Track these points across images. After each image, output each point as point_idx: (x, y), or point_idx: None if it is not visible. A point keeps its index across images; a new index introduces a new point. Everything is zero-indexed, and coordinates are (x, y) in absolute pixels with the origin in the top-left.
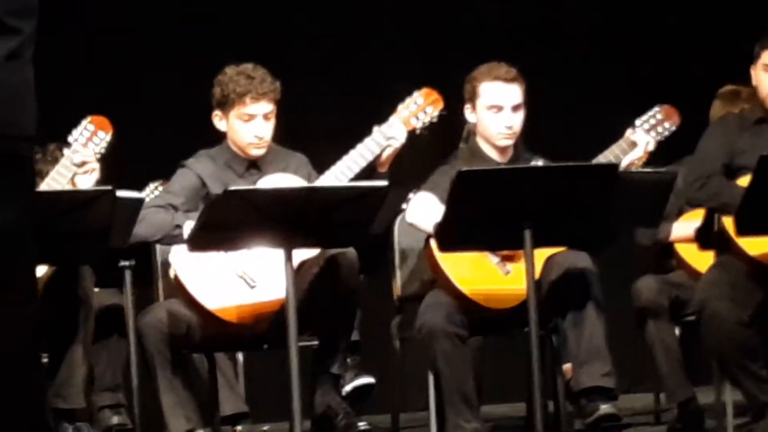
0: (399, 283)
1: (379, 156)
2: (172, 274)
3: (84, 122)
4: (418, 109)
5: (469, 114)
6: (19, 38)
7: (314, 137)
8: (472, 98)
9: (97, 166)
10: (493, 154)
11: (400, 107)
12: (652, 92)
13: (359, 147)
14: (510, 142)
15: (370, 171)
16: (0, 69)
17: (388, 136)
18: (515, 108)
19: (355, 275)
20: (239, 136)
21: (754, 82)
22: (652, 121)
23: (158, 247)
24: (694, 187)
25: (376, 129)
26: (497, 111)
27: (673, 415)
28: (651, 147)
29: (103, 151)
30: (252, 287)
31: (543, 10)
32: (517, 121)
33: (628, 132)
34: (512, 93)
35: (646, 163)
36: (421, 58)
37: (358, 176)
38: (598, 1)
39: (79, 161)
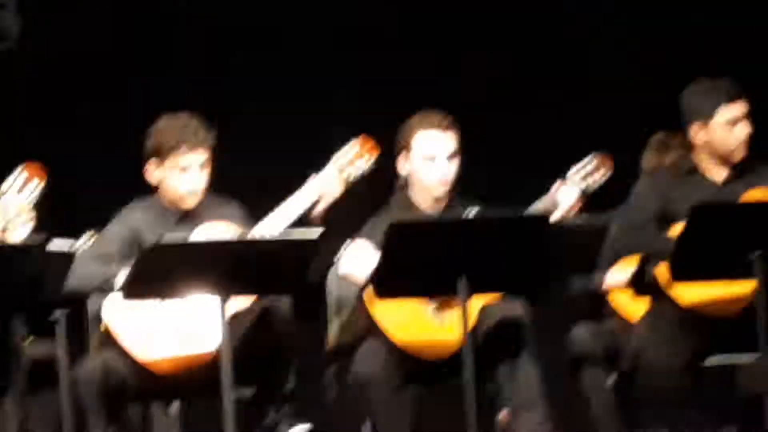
0: (333, 333)
1: (313, 206)
2: (102, 327)
3: (18, 170)
4: (354, 157)
5: (402, 164)
6: None
7: (249, 185)
8: (407, 148)
9: (32, 215)
10: (427, 204)
11: (336, 155)
12: (586, 139)
13: (294, 197)
14: (445, 190)
15: (304, 220)
16: None
17: (321, 189)
18: (451, 156)
19: (290, 324)
20: (173, 188)
21: (699, 139)
22: (588, 168)
23: (92, 299)
24: (627, 236)
25: (311, 178)
26: (432, 160)
27: None
28: (572, 201)
29: (35, 198)
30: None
31: (475, 59)
32: (452, 169)
33: (554, 187)
34: (447, 141)
35: (581, 211)
36: (357, 105)
37: (293, 226)
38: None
39: (13, 213)
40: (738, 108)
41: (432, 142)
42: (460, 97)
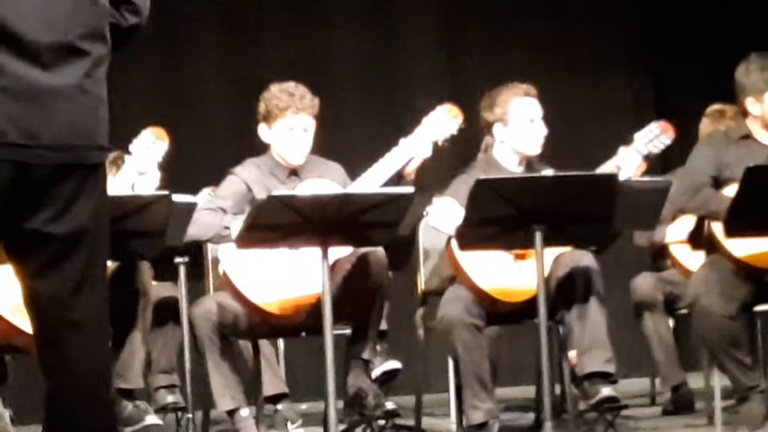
0: (422, 279)
1: (405, 166)
2: (221, 270)
3: (144, 132)
4: (441, 122)
5: (499, 132)
6: (89, 59)
7: (348, 148)
8: (504, 117)
9: (157, 173)
10: (509, 165)
11: (425, 120)
12: (651, 109)
13: (387, 156)
14: (539, 150)
15: (397, 179)
16: (79, 86)
17: (412, 150)
18: (541, 119)
19: (384, 272)
20: (281, 146)
21: (754, 110)
22: (650, 135)
23: (209, 245)
24: (684, 197)
25: (402, 141)
26: (531, 123)
27: (666, 398)
28: (637, 164)
29: (160, 159)
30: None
31: (550, 30)
32: (544, 130)
33: (620, 151)
34: (539, 106)
35: (645, 173)
36: (446, 74)
37: (387, 183)
38: (615, 21)
39: (140, 169)
40: None
41: (530, 107)
42: (535, 69)
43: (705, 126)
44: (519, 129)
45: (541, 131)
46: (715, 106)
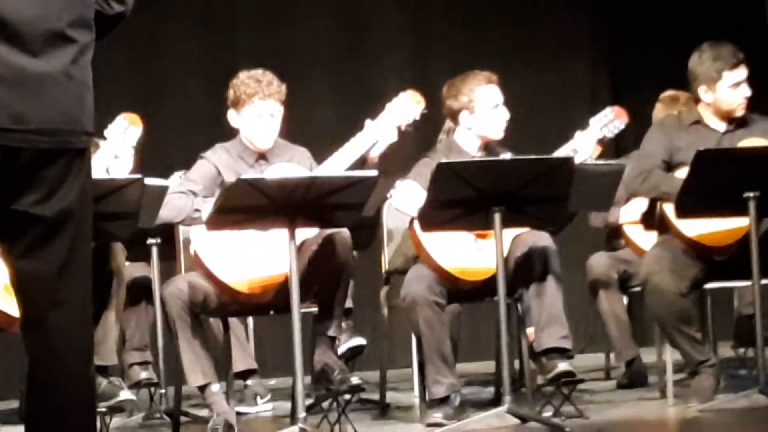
0: (386, 259)
1: (369, 150)
2: (191, 250)
3: (119, 118)
4: (404, 108)
5: (466, 117)
6: (77, 46)
7: (315, 132)
8: (469, 104)
9: (131, 157)
10: (469, 149)
11: (389, 106)
12: (606, 95)
13: (352, 141)
14: (503, 134)
15: (361, 162)
16: (66, 72)
17: (377, 134)
18: (502, 105)
19: (349, 251)
20: (250, 131)
21: (706, 98)
22: (605, 120)
23: (181, 227)
24: (638, 180)
25: (367, 123)
26: (496, 108)
27: (621, 372)
28: (592, 147)
29: (134, 144)
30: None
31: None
32: (507, 114)
33: (576, 135)
34: (500, 93)
35: (600, 156)
36: (411, 61)
37: (352, 167)
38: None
39: (115, 154)
40: (740, 73)
41: (493, 94)
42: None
43: (658, 111)
44: (484, 115)
45: (504, 116)
46: (669, 93)
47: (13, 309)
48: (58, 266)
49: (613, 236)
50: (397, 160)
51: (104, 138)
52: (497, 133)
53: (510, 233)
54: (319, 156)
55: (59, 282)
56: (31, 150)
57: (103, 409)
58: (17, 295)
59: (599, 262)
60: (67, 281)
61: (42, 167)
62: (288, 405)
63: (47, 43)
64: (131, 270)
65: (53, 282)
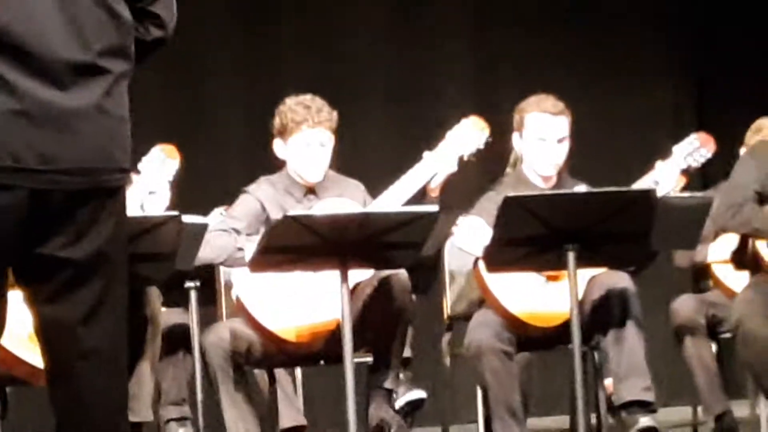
0: (448, 303)
1: (428, 182)
2: (234, 295)
3: (154, 150)
4: (466, 136)
5: (516, 142)
6: (110, 77)
7: (370, 164)
8: (520, 128)
9: (167, 192)
10: (538, 181)
11: (450, 134)
12: (689, 120)
13: (410, 173)
14: (553, 172)
15: (420, 196)
16: (98, 106)
17: (437, 166)
18: (560, 140)
19: (407, 295)
20: (297, 163)
21: None
22: (690, 148)
23: (222, 268)
24: (727, 215)
25: (426, 155)
26: (542, 142)
27: (709, 428)
28: (675, 178)
29: (171, 177)
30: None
31: (588, 39)
32: (561, 152)
33: (657, 165)
34: (558, 126)
35: (684, 188)
36: (472, 86)
37: (410, 201)
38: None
39: (150, 189)
40: None
41: (544, 124)
42: (569, 77)
43: (750, 138)
44: (531, 145)
45: (553, 152)
46: (762, 120)
47: (39, 360)
48: (86, 313)
49: (701, 277)
50: (460, 194)
51: (138, 172)
52: (543, 168)
53: (585, 274)
54: (374, 190)
55: (88, 330)
56: (61, 191)
57: None
58: (42, 345)
59: (685, 306)
60: (97, 330)
61: (73, 209)
62: None
63: (77, 76)
64: (167, 316)
65: (81, 330)
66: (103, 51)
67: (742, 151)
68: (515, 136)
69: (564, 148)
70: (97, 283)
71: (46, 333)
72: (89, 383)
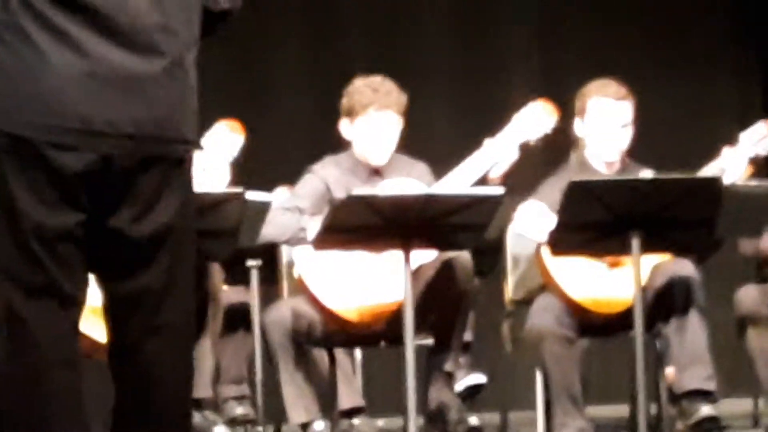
0: (510, 288)
1: (489, 170)
2: (296, 274)
3: (217, 126)
4: (534, 120)
5: (579, 127)
6: (180, 45)
7: (435, 147)
8: (582, 113)
9: (227, 171)
10: (602, 167)
11: (516, 117)
12: (758, 107)
13: (470, 159)
14: (617, 157)
15: (482, 183)
16: (168, 73)
17: (498, 154)
18: (624, 125)
19: (470, 278)
20: (363, 144)
21: None
22: (758, 136)
23: (284, 247)
24: None
25: (486, 142)
26: (606, 127)
27: None
28: (743, 166)
29: (235, 154)
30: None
31: (653, 25)
32: (624, 137)
33: (724, 152)
34: (621, 111)
35: (751, 176)
36: (539, 68)
37: (473, 185)
38: (720, 13)
39: (208, 166)
40: None
41: (607, 109)
42: (634, 65)
43: None
44: (594, 130)
45: (617, 137)
46: None
47: (100, 334)
48: (158, 288)
49: (765, 266)
50: (522, 179)
51: (201, 148)
52: (606, 153)
53: (649, 261)
54: (439, 173)
55: (159, 306)
56: (126, 157)
57: None
58: (109, 320)
59: (749, 295)
60: (168, 305)
61: (137, 177)
62: None
63: (148, 40)
64: (228, 294)
65: (152, 306)
66: (175, 18)
67: None
68: (577, 122)
69: (627, 134)
70: (166, 258)
71: (115, 309)
72: (160, 359)
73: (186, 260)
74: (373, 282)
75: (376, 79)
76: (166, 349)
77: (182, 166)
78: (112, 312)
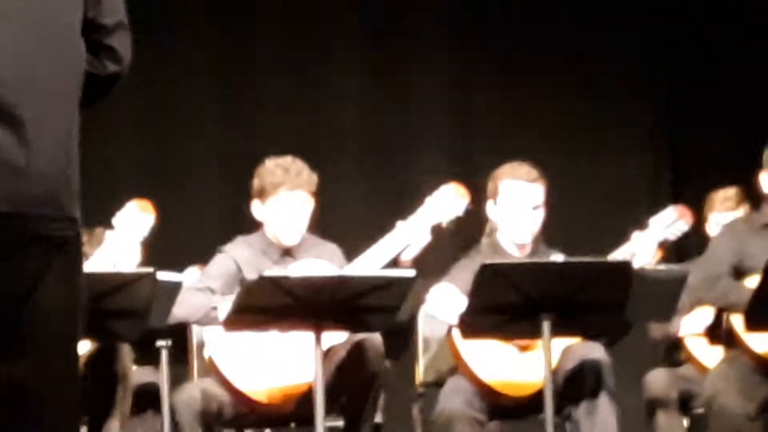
0: (421, 370)
1: (400, 253)
2: (206, 354)
3: (128, 205)
4: (446, 202)
5: (491, 210)
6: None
7: (345, 228)
8: (494, 195)
9: (138, 250)
10: (513, 250)
11: (428, 200)
12: (667, 193)
13: (383, 241)
14: (528, 240)
15: (393, 265)
16: (36, 157)
17: (410, 237)
18: (535, 207)
19: (381, 360)
20: (275, 224)
21: (764, 188)
22: (667, 221)
23: (195, 327)
24: (703, 288)
25: (399, 224)
26: (517, 210)
27: None
28: (652, 250)
29: (145, 233)
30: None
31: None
32: (536, 220)
33: (634, 236)
34: (533, 193)
35: (661, 260)
36: (452, 150)
37: (384, 268)
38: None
39: (123, 248)
40: None
41: (518, 192)
42: (545, 149)
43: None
44: (505, 212)
45: (528, 220)
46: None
47: None
48: (26, 377)
49: (674, 350)
50: (434, 262)
51: (112, 227)
52: (517, 236)
53: (559, 344)
54: (350, 255)
55: (27, 400)
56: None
57: None
58: None
59: (658, 380)
60: (37, 398)
61: (17, 258)
62: None
63: (23, 114)
64: (138, 375)
65: (19, 399)
66: (55, 90)
67: (711, 217)
68: (489, 204)
69: (539, 216)
70: (41, 348)
71: None
72: None
73: (68, 344)
74: (284, 363)
75: (287, 160)
76: None
77: (64, 244)
78: None
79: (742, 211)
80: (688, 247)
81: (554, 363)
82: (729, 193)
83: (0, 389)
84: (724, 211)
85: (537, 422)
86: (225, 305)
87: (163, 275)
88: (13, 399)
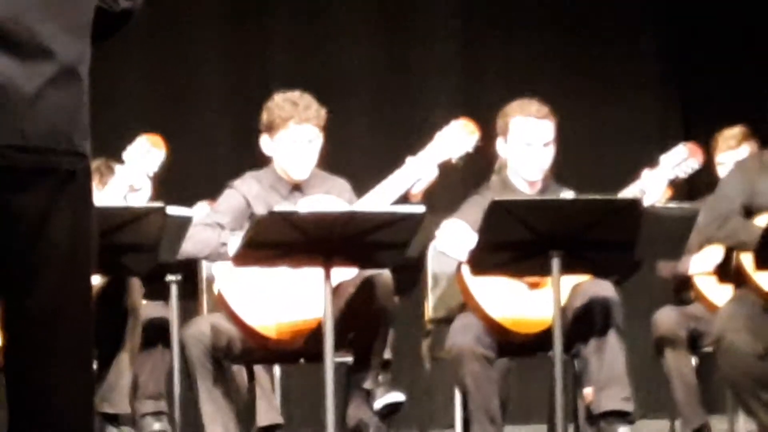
0: (430, 306)
1: (410, 187)
2: (215, 289)
3: (138, 140)
4: (455, 139)
5: (501, 147)
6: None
7: (356, 164)
8: (504, 132)
9: (148, 185)
10: (523, 186)
11: (438, 136)
12: (678, 131)
13: (393, 177)
14: (539, 176)
15: (402, 201)
16: (46, 90)
17: (418, 172)
18: (545, 144)
19: (390, 296)
20: (284, 159)
21: None
22: (678, 159)
23: (204, 263)
24: (712, 226)
25: (408, 160)
26: (527, 146)
27: None
28: (662, 188)
29: (155, 168)
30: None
31: (576, 47)
32: (546, 157)
33: (644, 174)
34: (543, 130)
35: (671, 198)
36: (462, 87)
37: (394, 203)
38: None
39: (134, 180)
40: None
41: (528, 129)
42: (557, 86)
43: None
44: (516, 149)
45: (539, 157)
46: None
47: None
48: (44, 310)
49: (683, 289)
50: (445, 198)
51: (122, 161)
52: (529, 172)
53: (568, 282)
54: (359, 190)
55: (51, 327)
56: (11, 169)
57: None
58: (4, 338)
59: (666, 318)
60: (58, 327)
61: (26, 191)
62: None
63: (37, 45)
64: (148, 309)
65: (44, 326)
66: (65, 25)
67: (718, 156)
68: (499, 141)
69: (549, 153)
70: (53, 279)
71: (9, 327)
72: (54, 380)
73: (79, 275)
74: (293, 299)
75: (295, 94)
76: (57, 377)
77: (75, 179)
78: (6, 330)
79: (746, 149)
80: (698, 185)
81: (563, 300)
82: (732, 131)
83: (15, 321)
84: (727, 150)
85: (546, 359)
86: (234, 241)
87: (173, 210)
88: (28, 330)
